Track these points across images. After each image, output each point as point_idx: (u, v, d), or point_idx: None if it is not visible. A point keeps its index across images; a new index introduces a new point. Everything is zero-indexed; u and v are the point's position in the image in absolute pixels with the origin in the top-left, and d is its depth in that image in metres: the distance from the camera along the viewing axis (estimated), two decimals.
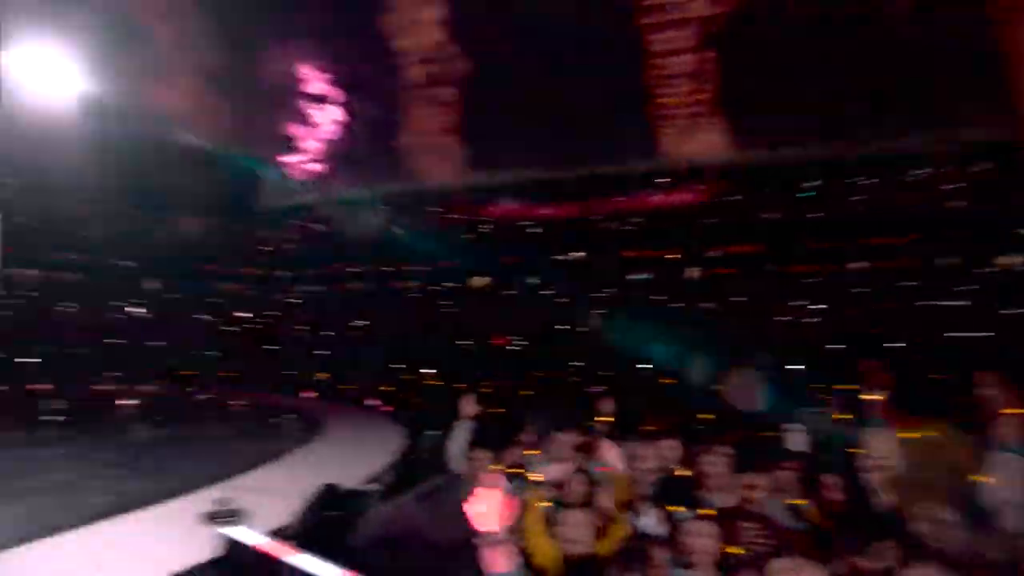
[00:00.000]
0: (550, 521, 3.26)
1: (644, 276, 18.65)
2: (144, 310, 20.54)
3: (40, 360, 15.50)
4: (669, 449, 4.04)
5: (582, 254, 19.90)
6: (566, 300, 18.43)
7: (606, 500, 3.17)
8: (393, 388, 14.19)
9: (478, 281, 20.64)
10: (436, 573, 2.97)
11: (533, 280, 19.62)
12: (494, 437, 5.28)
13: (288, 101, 26.55)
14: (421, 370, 15.20)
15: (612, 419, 5.77)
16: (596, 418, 5.59)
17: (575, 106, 20.97)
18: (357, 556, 2.79)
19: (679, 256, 18.67)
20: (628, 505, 3.28)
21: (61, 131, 19.45)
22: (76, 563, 3.26)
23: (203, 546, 3.33)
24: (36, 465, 6.72)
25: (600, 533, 2.81)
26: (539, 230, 21.55)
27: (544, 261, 19.76)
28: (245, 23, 24.83)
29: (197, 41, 25.32)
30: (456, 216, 23.27)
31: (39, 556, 3.38)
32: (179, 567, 3.01)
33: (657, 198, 20.20)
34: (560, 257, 20.03)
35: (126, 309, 20.29)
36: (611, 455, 4.12)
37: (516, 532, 3.49)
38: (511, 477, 4.00)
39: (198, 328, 19.97)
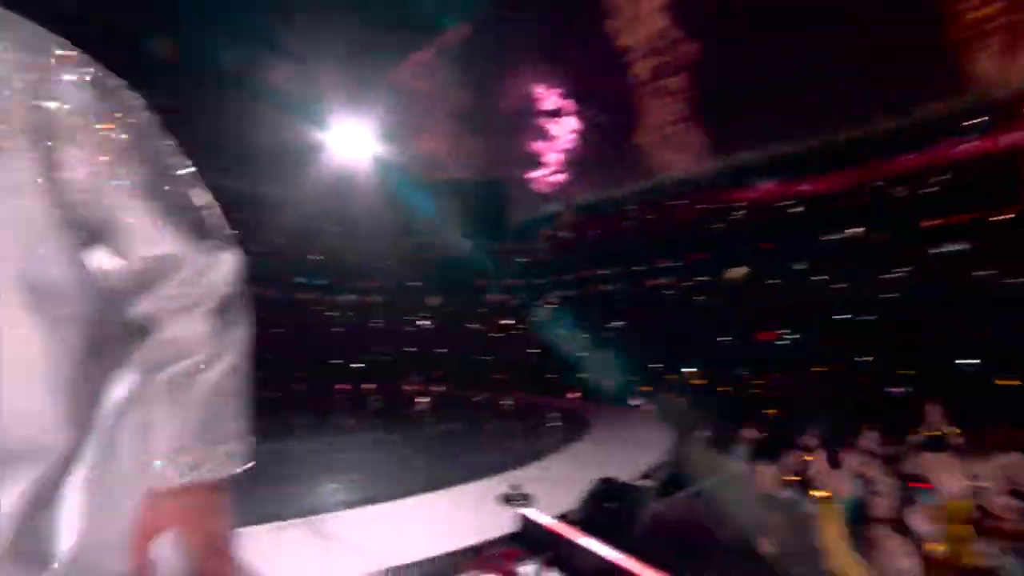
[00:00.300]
0: (854, 541, 2.81)
1: (956, 247, 14.55)
2: (429, 322, 24.36)
3: (363, 365, 19.54)
4: (1015, 467, 3.18)
5: (861, 229, 16.51)
6: (845, 285, 15.64)
7: (927, 524, 2.60)
8: (654, 387, 13.97)
9: (735, 272, 18.99)
10: (718, 568, 2.79)
11: (800, 266, 17.15)
12: (771, 439, 4.77)
13: (528, 122, 28.76)
14: (682, 369, 14.62)
15: (941, 430, 4.70)
16: (920, 427, 4.63)
17: (831, 58, 17.93)
18: (638, 545, 2.77)
19: (1012, 216, 14.01)
20: (967, 534, 2.64)
21: (362, 184, 24.77)
22: (408, 524, 3.95)
23: (502, 522, 3.73)
24: (371, 446, 8.47)
25: (928, 564, 2.32)
26: (801, 209, 18.82)
27: (812, 243, 17.01)
28: (484, 64, 27.79)
29: (447, 90, 29.30)
30: (704, 206, 21.93)
31: (381, 515, 4.20)
32: (485, 537, 3.39)
33: (967, 146, 15.58)
34: (833, 236, 16.96)
35: (417, 322, 24.35)
36: (938, 471, 3.36)
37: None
38: (791, 484, 3.61)
39: (471, 336, 22.78)
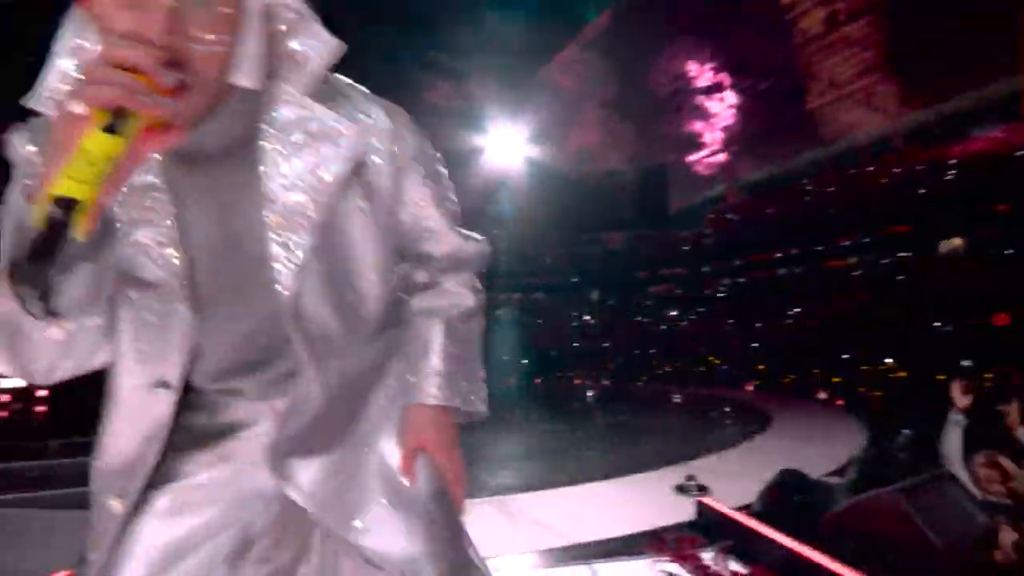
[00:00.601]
0: None
1: None
2: (590, 317, 24.54)
3: (530, 361, 20.32)
4: None
5: None
6: None
7: None
8: (844, 380, 12.48)
9: (949, 244, 15.94)
10: (927, 572, 2.52)
11: None
12: (1003, 439, 4.10)
13: (683, 102, 27.39)
14: (884, 359, 12.73)
15: None
16: None
17: None
18: (830, 541, 2.63)
19: None
20: None
21: (518, 184, 25.76)
22: (584, 507, 4.17)
23: (677, 511, 3.76)
24: (541, 436, 8.88)
25: None
26: None
27: None
28: (630, 49, 27.05)
29: (595, 82, 29.04)
30: (901, 169, 18.88)
31: (560, 498, 4.47)
32: (662, 523, 3.46)
33: None
34: None
35: (583, 317, 24.67)
36: None
37: None
38: None
39: (635, 328, 22.44)
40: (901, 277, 16.40)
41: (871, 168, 19.78)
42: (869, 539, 2.62)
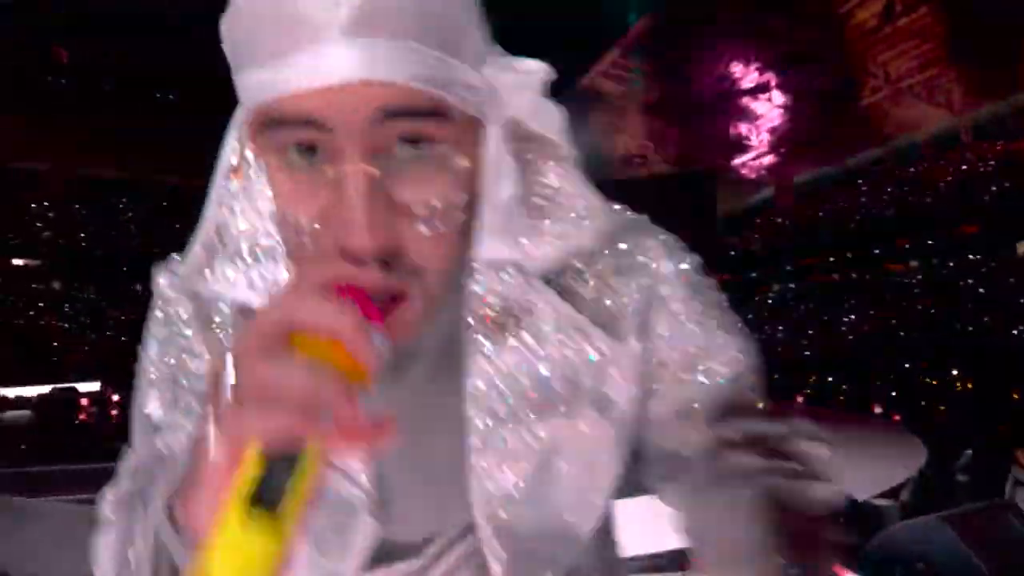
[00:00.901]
0: None
1: None
2: None
3: None
4: None
5: None
6: None
7: None
8: (905, 394, 11.87)
9: None
10: None
11: None
12: None
13: (728, 104, 26.82)
14: (949, 370, 12.00)
15: None
16: None
17: None
18: (878, 567, 2.53)
19: None
20: None
21: None
22: (621, 522, 4.13)
23: None
24: None
25: None
26: None
27: None
28: (674, 51, 26.67)
29: (638, 86, 28.79)
30: (970, 165, 17.90)
31: None
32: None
33: None
34: None
35: None
36: None
37: None
38: None
39: None
40: (969, 281, 15.49)
41: (933, 166, 18.83)
42: (916, 568, 2.52)
